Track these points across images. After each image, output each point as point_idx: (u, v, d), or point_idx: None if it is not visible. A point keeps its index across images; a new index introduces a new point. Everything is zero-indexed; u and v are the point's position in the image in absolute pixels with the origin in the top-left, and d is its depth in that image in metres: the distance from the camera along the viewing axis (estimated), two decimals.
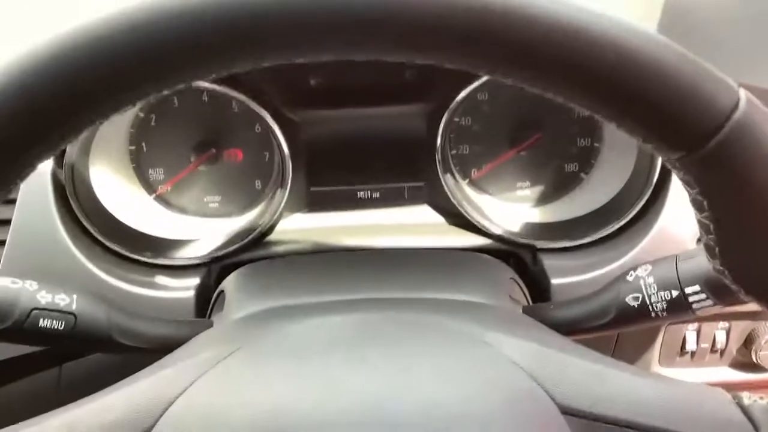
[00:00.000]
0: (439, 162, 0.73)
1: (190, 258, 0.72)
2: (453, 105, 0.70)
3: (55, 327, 0.51)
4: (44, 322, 0.50)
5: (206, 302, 0.68)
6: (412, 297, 0.54)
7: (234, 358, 0.40)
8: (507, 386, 0.38)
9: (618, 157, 0.74)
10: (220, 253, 0.72)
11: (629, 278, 0.55)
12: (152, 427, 0.36)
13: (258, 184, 0.78)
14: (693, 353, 0.75)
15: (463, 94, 0.70)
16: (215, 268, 0.73)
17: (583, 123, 0.77)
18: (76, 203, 0.67)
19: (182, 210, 0.78)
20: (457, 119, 0.76)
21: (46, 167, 0.67)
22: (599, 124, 0.77)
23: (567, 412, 0.37)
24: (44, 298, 0.51)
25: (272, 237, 0.75)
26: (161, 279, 0.70)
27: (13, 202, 0.66)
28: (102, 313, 0.53)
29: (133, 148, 0.76)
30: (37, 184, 0.66)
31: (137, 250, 0.70)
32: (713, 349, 0.75)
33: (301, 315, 0.48)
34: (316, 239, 0.74)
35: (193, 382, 0.38)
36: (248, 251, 0.73)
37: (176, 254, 0.72)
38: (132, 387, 0.40)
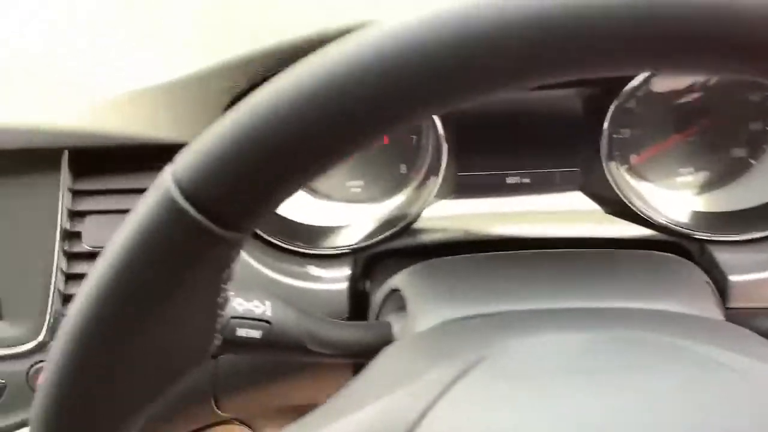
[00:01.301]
0: (603, 147, 0.69)
1: (341, 247, 0.69)
2: (627, 89, 0.65)
3: (252, 336, 0.48)
4: (242, 331, 0.48)
5: (357, 294, 0.66)
6: (624, 307, 0.50)
7: (468, 381, 0.37)
8: None
9: None
10: (370, 241, 0.69)
11: None
12: None
13: (403, 168, 0.74)
14: None
15: (639, 79, 0.65)
16: (361, 258, 0.70)
17: (756, 105, 0.71)
18: None
19: (327, 196, 0.75)
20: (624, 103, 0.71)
21: None
22: None
23: None
24: (241, 305, 0.48)
25: (419, 224, 0.72)
26: (313, 270, 0.67)
27: None
28: (293, 319, 0.50)
29: None
30: None
31: (291, 240, 0.68)
32: None
33: (516, 329, 0.45)
34: (466, 227, 0.71)
35: (429, 410, 0.36)
36: (397, 239, 0.70)
37: (327, 242, 0.70)
38: (361, 414, 0.37)
